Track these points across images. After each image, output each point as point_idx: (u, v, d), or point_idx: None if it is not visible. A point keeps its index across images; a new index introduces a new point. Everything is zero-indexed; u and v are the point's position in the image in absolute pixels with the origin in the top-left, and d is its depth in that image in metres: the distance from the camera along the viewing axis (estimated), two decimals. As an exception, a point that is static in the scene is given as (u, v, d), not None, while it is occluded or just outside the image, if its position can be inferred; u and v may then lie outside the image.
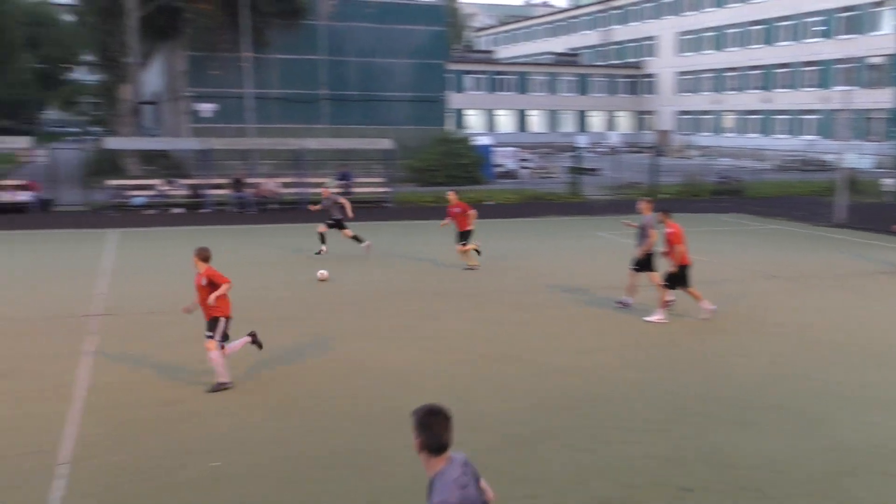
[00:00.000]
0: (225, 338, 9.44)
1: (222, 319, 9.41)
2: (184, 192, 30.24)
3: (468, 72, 67.48)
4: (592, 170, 39.37)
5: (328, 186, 22.39)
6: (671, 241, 12.65)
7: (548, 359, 10.78)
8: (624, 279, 14.04)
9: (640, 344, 11.62)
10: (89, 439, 7.82)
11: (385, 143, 32.53)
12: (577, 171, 36.04)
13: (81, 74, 79.59)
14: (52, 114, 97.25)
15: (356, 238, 19.17)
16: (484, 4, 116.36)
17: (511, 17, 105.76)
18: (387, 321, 12.85)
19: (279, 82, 40.11)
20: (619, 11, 77.00)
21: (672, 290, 12.85)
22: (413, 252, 19.97)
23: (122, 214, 27.33)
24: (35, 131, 70.26)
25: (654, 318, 12.75)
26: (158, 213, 28.12)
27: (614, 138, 69.30)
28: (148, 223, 25.39)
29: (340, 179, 31.77)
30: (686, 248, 12.74)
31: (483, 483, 4.27)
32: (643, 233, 13.36)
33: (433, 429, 3.99)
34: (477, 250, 17.74)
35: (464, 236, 17.33)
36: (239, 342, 9.78)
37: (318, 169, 33.45)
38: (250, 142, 35.20)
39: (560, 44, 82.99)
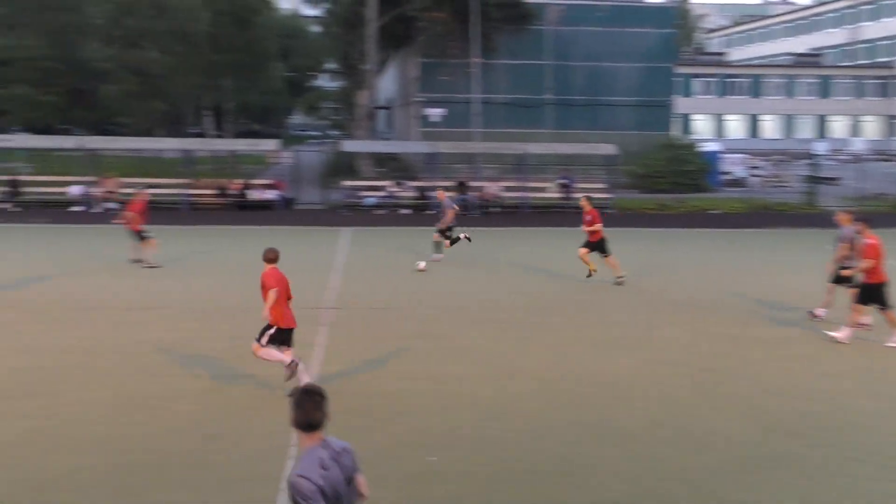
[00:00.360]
0: (272, 342, 9.27)
1: (273, 327, 9.27)
2: (411, 193, 31.64)
3: (697, 75, 64.93)
4: (832, 179, 36.57)
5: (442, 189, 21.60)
6: (865, 254, 11.66)
7: (773, 378, 10.20)
8: (846, 299, 13.05)
9: (880, 370, 10.68)
10: (319, 424, 8.42)
11: (607, 149, 32.18)
12: (814, 180, 33.69)
13: (324, 81, 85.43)
14: (296, 118, 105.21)
15: (440, 244, 18.94)
16: (717, 4, 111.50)
17: (746, 16, 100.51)
18: (603, 329, 12.73)
19: (505, 87, 40.88)
20: (871, 7, 70.86)
21: (868, 309, 11.84)
22: (627, 260, 19.63)
23: (354, 214, 29.06)
24: (282, 135, 76.36)
25: (838, 333, 11.81)
26: (387, 214, 29.62)
27: (859, 145, 63.79)
28: (378, 223, 26.82)
29: (562, 184, 31.85)
30: (882, 263, 11.65)
31: (361, 478, 4.36)
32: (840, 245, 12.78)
33: (304, 407, 4.12)
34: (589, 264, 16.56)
35: (594, 246, 16.31)
36: (279, 356, 9.33)
37: (540, 173, 33.73)
38: (475, 146, 36.16)
39: (800, 44, 77.68)
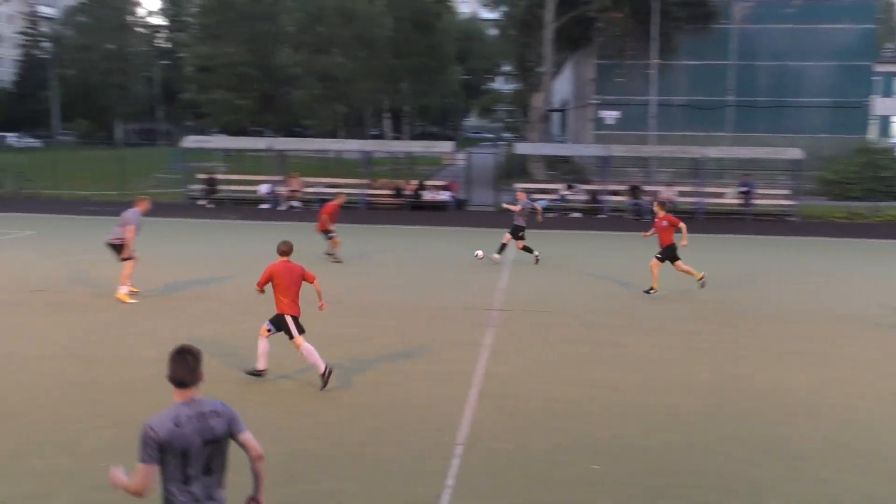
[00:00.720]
0: (299, 329, 9.58)
1: (287, 317, 9.55)
2: (583, 197, 31.37)
3: (900, 73, 60.10)
4: None
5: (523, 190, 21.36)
6: None
7: (975, 409, 9.33)
8: None
9: None
10: (482, 424, 8.54)
11: (793, 153, 30.52)
12: None
13: (499, 84, 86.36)
14: (471, 120, 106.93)
15: (527, 248, 19.00)
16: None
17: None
18: (779, 342, 12.10)
19: (684, 88, 39.63)
20: None
21: None
22: (807, 270, 18.55)
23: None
24: (457, 136, 77.83)
25: None
26: (558, 217, 29.51)
27: None
28: (548, 226, 26.68)
29: (742, 190, 30.55)
30: None
31: (244, 438, 4.51)
32: None
33: (172, 364, 4.35)
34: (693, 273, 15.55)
35: (666, 253, 15.33)
36: (315, 357, 9.53)
37: (719, 178, 32.49)
38: (650, 149, 35.32)
39: None
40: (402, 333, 12.35)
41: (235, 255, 19.60)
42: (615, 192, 30.83)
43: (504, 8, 54.70)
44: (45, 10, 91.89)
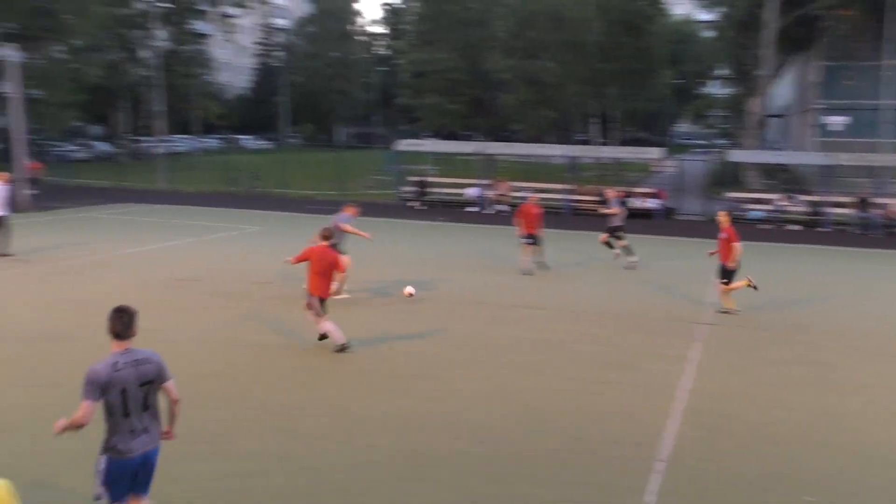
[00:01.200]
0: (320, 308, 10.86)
1: (314, 298, 10.79)
2: (802, 208, 29.55)
3: None
4: None
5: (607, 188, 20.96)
6: None
7: None
8: None
9: None
10: (684, 441, 8.32)
11: None
12: None
13: (713, 88, 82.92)
14: (682, 126, 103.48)
15: (610, 244, 18.90)
16: None
17: None
18: None
19: (925, 92, 36.28)
20: None
21: None
22: None
23: (737, 227, 27.86)
24: (667, 143, 75.74)
25: None
26: (773, 229, 27.99)
27: None
28: (761, 238, 25.42)
29: None
30: None
31: (169, 385, 5.43)
32: None
33: (111, 321, 5.21)
34: (753, 286, 14.13)
35: (725, 273, 13.95)
36: (333, 328, 10.91)
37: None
38: (881, 158, 32.60)
39: None
40: (606, 342, 12.26)
41: (441, 256, 20.25)
42: (839, 204, 28.76)
43: (721, 8, 52.49)
44: (279, 22, 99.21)
